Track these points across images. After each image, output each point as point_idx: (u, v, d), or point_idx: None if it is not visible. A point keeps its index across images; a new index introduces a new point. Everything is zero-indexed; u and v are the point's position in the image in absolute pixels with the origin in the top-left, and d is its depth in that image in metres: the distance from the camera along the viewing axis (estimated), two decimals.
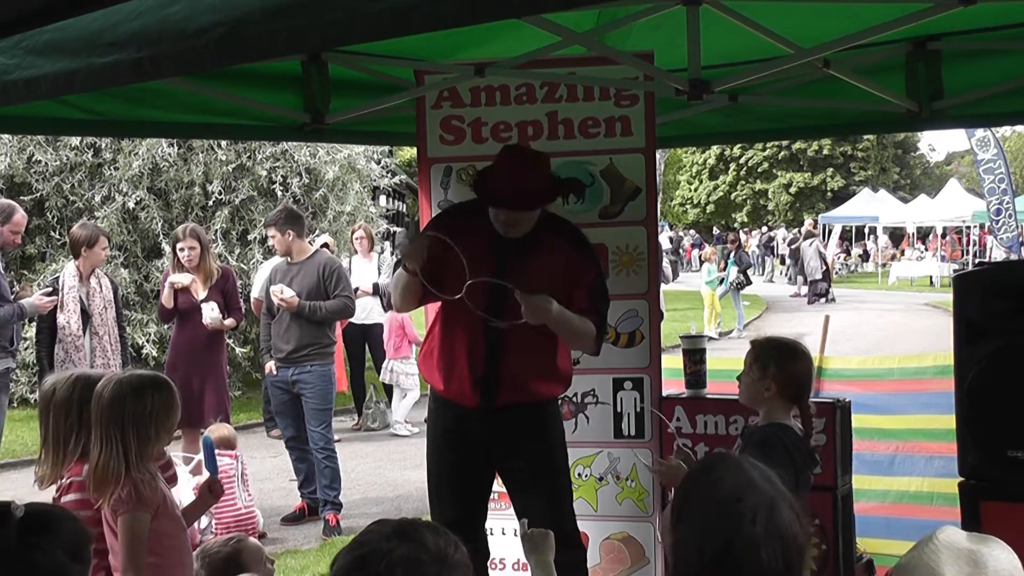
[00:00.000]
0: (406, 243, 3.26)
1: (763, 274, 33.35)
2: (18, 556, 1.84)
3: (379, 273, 9.57)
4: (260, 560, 3.21)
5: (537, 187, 3.38)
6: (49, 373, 5.96)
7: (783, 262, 33.82)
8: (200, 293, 6.39)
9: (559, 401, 4.20)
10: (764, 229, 38.50)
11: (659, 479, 3.87)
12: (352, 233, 9.70)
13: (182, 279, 6.33)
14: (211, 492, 3.17)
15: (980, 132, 15.69)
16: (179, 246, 6.44)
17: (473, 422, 3.56)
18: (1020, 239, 16.73)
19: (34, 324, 7.13)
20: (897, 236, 37.46)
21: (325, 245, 7.02)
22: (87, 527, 2.09)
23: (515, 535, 4.28)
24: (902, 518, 4.72)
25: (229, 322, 6.52)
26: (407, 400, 9.39)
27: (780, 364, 3.12)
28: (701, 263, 19.70)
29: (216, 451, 6.04)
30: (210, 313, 6.28)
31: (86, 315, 6.10)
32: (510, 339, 3.42)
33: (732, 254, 18.25)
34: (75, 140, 9.61)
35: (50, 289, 6.17)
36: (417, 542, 1.56)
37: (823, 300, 23.30)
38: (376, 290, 9.34)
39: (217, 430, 5.97)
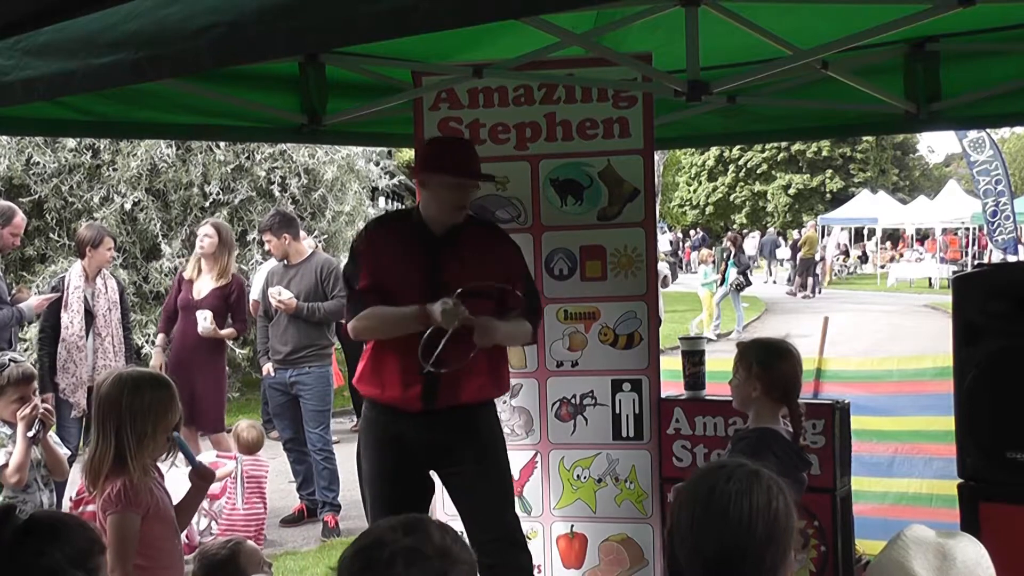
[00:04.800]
0: (452, 310, 3.29)
1: (770, 275, 33.29)
2: (13, 557, 1.85)
3: None
4: (258, 563, 3.21)
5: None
6: (49, 373, 5.99)
7: (781, 264, 33.84)
8: (203, 291, 6.38)
9: (559, 404, 4.22)
10: (760, 233, 38.42)
11: None
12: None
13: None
14: (201, 477, 3.14)
15: (973, 134, 15.66)
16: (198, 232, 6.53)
17: (412, 427, 3.54)
18: (1017, 240, 16.71)
19: (34, 325, 7.13)
20: (895, 238, 37.48)
21: None
22: (100, 538, 2.08)
23: None
24: (901, 520, 4.70)
25: (227, 332, 6.45)
26: None
27: (763, 364, 3.13)
28: (699, 264, 19.70)
29: (217, 454, 6.11)
30: (203, 322, 6.26)
31: (90, 315, 6.09)
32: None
33: (732, 255, 18.23)
34: (73, 142, 9.58)
35: (53, 288, 6.18)
36: (422, 535, 1.58)
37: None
38: None
39: (247, 431, 6.01)
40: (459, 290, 3.33)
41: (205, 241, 6.41)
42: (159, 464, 3.06)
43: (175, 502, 3.05)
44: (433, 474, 3.73)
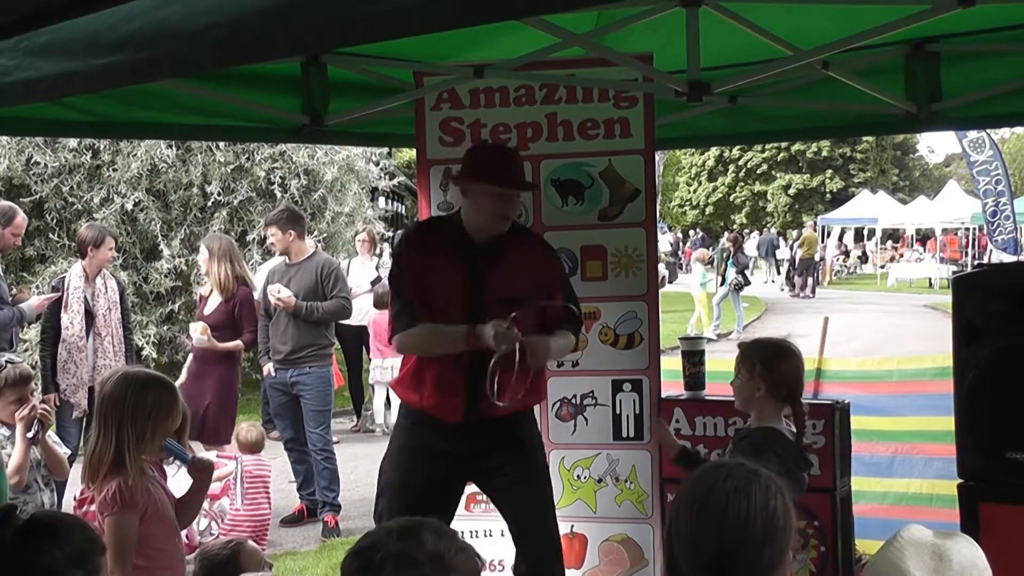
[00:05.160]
0: (505, 332, 3.24)
1: (777, 274, 33.24)
2: (14, 556, 1.86)
3: (376, 271, 9.63)
4: (258, 563, 3.21)
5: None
6: (51, 374, 5.98)
7: (781, 264, 33.82)
8: (213, 305, 6.34)
9: (559, 404, 4.22)
10: (758, 233, 38.41)
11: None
12: (356, 235, 9.82)
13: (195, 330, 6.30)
14: (199, 470, 3.09)
15: (973, 134, 15.65)
16: None
17: (448, 441, 3.49)
18: (1017, 240, 16.70)
19: (35, 326, 7.12)
20: (895, 238, 37.48)
21: None
22: (100, 538, 2.09)
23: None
24: (901, 520, 4.68)
25: (227, 345, 6.28)
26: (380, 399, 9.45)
27: (767, 364, 3.13)
28: (694, 263, 19.71)
29: (217, 454, 6.13)
30: (194, 334, 6.24)
31: (90, 316, 6.08)
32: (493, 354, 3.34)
33: (731, 255, 18.23)
34: (74, 142, 9.58)
35: (53, 288, 6.18)
36: (415, 540, 1.58)
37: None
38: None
39: (247, 431, 6.01)
40: (512, 314, 3.26)
41: (200, 260, 6.41)
42: (164, 465, 3.05)
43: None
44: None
